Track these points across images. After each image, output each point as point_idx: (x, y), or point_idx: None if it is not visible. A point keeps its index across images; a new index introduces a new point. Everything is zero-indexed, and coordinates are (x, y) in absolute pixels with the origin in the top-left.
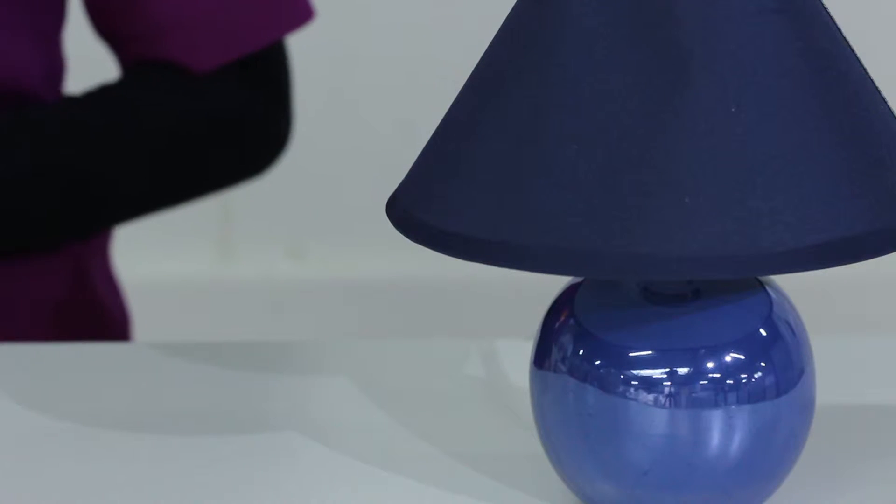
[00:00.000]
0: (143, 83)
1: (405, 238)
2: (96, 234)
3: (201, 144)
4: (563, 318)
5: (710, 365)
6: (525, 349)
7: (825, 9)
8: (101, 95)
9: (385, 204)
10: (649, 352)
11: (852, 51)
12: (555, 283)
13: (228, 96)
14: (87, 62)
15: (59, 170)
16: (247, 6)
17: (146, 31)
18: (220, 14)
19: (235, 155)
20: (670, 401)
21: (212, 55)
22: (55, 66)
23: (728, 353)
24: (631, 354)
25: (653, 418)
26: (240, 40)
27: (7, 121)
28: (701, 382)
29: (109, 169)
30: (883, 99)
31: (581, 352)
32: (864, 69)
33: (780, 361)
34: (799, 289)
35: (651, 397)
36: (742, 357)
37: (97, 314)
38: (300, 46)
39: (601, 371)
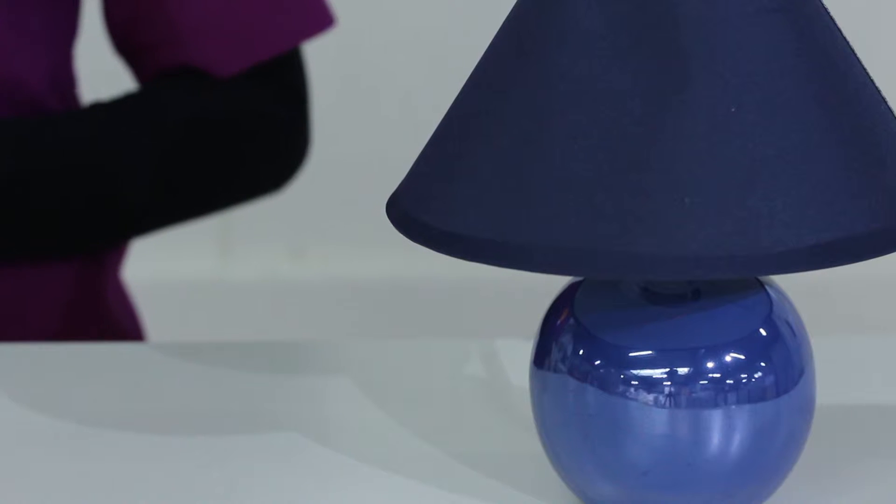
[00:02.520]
0: (167, 89)
1: (405, 238)
2: (122, 241)
3: (228, 149)
4: (563, 318)
5: (710, 365)
6: (525, 349)
7: (825, 9)
8: (126, 102)
9: (385, 204)
10: (649, 352)
11: (852, 51)
12: (555, 283)
13: (252, 100)
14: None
15: (83, 173)
16: (268, 12)
17: (169, 39)
18: (242, 19)
19: (262, 159)
20: (670, 401)
21: (234, 60)
22: (63, 76)
23: (728, 353)
24: (631, 354)
25: (653, 418)
26: (261, 45)
27: (31, 123)
28: (701, 382)
29: (133, 174)
30: (883, 99)
31: (581, 352)
32: (864, 69)
33: (780, 361)
34: (799, 289)
35: (651, 397)
36: (742, 357)
37: (108, 327)
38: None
39: (601, 371)
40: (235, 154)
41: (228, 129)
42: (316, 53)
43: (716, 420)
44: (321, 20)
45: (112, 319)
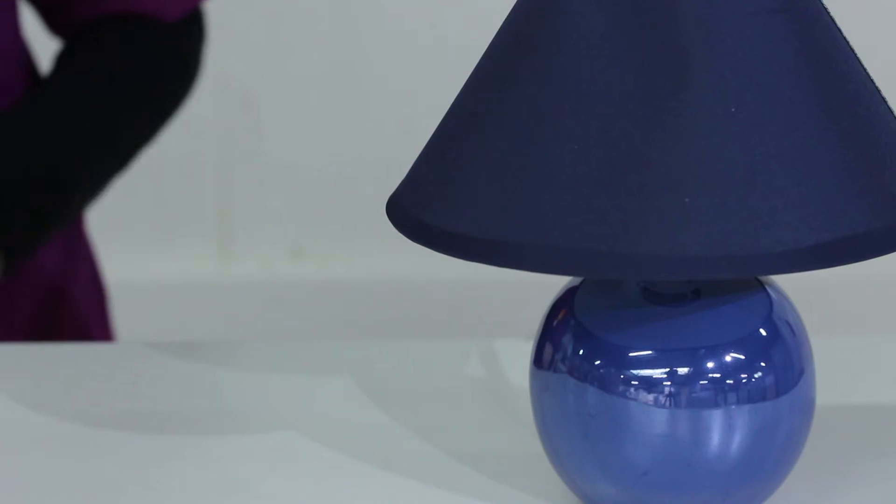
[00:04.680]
0: (80, 57)
1: (405, 238)
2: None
3: (148, 100)
4: (563, 318)
5: (710, 365)
6: (525, 349)
7: (825, 9)
8: (85, 57)
9: (385, 204)
10: (649, 352)
11: (852, 51)
12: (555, 283)
13: (193, 38)
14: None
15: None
16: None
17: None
18: None
19: (174, 98)
20: (670, 401)
21: (177, 6)
22: (9, 50)
23: (728, 353)
24: (631, 354)
25: (653, 418)
26: None
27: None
28: (701, 382)
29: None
30: (883, 99)
31: (581, 352)
32: (864, 69)
33: (780, 361)
34: (799, 289)
35: (651, 397)
36: (742, 357)
37: (75, 319)
38: (301, 46)
39: (601, 371)
40: (157, 101)
41: (171, 75)
42: (316, 53)
43: (716, 420)
44: None
45: (78, 308)
